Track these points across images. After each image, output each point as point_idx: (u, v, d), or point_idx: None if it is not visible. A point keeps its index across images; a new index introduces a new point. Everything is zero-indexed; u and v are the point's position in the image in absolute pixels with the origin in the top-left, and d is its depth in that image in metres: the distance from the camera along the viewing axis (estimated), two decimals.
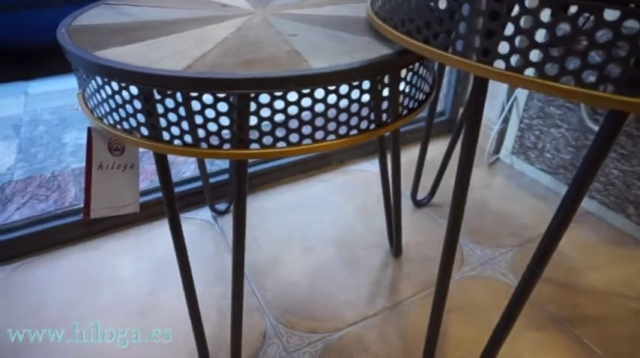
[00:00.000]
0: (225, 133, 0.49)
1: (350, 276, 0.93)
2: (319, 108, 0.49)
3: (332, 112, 0.49)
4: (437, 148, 1.33)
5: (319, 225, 1.07)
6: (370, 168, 1.27)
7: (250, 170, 1.17)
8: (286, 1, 0.76)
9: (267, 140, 0.49)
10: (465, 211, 1.15)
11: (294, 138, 0.49)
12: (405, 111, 0.57)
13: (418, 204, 1.12)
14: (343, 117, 0.50)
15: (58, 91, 1.97)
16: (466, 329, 0.82)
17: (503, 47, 0.39)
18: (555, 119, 1.10)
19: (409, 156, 1.30)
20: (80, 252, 0.99)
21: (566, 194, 0.48)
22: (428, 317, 0.82)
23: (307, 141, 0.50)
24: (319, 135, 0.50)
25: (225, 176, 1.12)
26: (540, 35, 0.37)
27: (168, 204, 0.60)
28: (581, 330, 0.82)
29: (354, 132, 0.52)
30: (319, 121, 0.49)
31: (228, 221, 1.08)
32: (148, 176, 1.15)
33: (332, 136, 0.51)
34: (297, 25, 0.63)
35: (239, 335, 0.69)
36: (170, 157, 1.24)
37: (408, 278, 0.92)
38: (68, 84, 2.00)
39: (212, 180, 1.12)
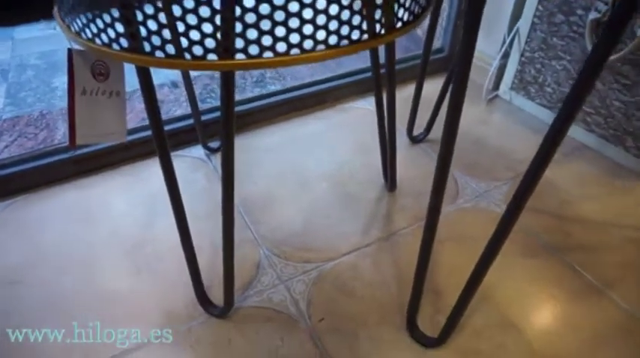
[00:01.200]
0: (210, 43, 0.46)
1: (345, 210, 0.93)
2: (308, 14, 0.46)
3: (321, 19, 0.47)
4: (435, 85, 1.29)
5: (314, 161, 1.05)
6: (366, 105, 1.24)
7: (244, 107, 1.14)
8: None
9: (253, 49, 0.47)
10: (462, 147, 1.14)
11: (281, 47, 0.47)
12: (400, 24, 0.54)
13: (414, 141, 1.10)
14: (333, 25, 0.48)
15: (46, 36, 1.90)
16: (459, 257, 0.83)
17: None
18: (557, 50, 1.07)
19: (407, 93, 1.27)
20: (73, 189, 0.98)
21: (559, 113, 0.47)
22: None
23: (295, 50, 0.47)
24: (308, 44, 0.48)
25: (217, 114, 1.10)
26: None
27: (152, 118, 0.59)
28: (573, 257, 0.82)
29: (344, 42, 0.49)
30: (308, 29, 0.47)
31: (220, 158, 1.06)
32: (139, 114, 1.13)
33: (321, 46, 0.48)
34: None
35: (231, 264, 0.69)
36: (160, 95, 1.21)
37: (402, 210, 0.92)
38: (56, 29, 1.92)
39: (204, 117, 1.09)
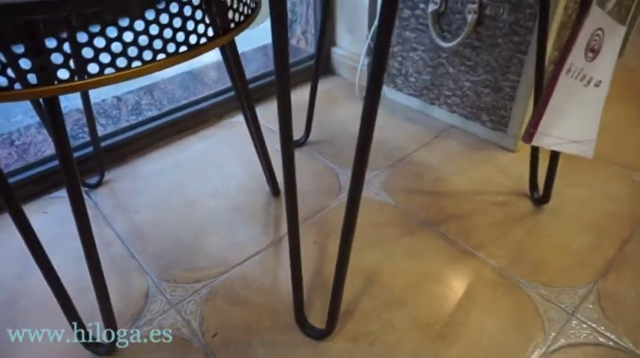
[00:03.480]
0: (10, 72, 0.45)
1: (233, 223, 0.93)
2: (111, 32, 0.46)
3: (128, 36, 0.47)
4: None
5: (200, 181, 1.05)
6: None
7: (120, 138, 1.11)
8: None
9: (64, 74, 0.46)
10: (342, 144, 1.18)
11: (93, 68, 0.47)
12: (233, 24, 0.56)
13: (296, 145, 1.13)
14: (143, 40, 0.48)
15: None
16: None
17: None
18: (412, 43, 1.15)
19: None
20: None
21: (369, 78, 0.51)
22: (308, 246, 0.85)
23: (110, 70, 0.47)
24: (121, 62, 0.48)
25: (90, 149, 1.05)
26: None
27: None
28: (446, 228, 0.89)
29: (161, 56, 0.50)
30: (116, 47, 0.47)
31: (100, 193, 1.02)
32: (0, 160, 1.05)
33: (137, 63, 0.49)
34: None
35: (105, 300, 0.67)
36: (28, 137, 1.14)
37: None
38: None
39: (77, 154, 1.05)
